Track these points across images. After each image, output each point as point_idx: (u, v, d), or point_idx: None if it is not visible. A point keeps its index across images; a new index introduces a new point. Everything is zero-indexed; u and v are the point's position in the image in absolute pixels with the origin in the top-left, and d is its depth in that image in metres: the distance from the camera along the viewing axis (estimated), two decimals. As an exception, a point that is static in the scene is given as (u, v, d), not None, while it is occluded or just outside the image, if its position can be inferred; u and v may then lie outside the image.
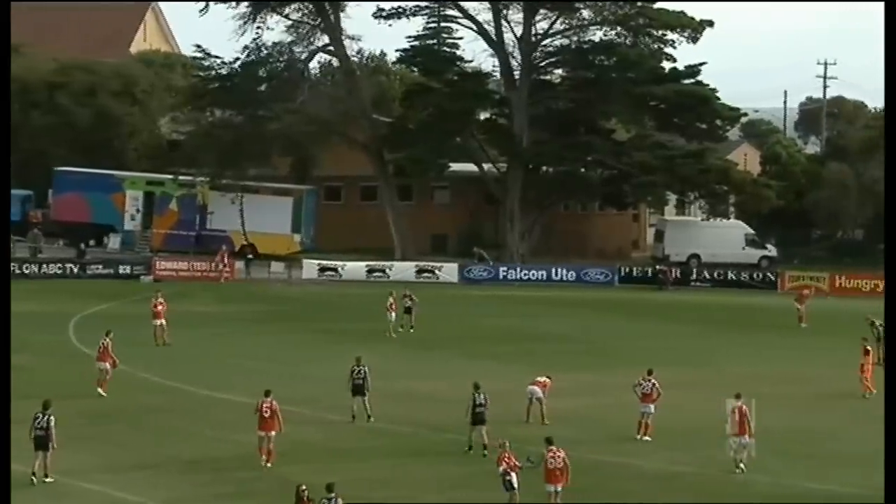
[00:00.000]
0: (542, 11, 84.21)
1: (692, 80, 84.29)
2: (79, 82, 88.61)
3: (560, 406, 39.08)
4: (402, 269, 76.37)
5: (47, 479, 31.34)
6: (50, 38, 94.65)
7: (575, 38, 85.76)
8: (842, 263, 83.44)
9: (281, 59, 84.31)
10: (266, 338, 55.26)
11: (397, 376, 44.21)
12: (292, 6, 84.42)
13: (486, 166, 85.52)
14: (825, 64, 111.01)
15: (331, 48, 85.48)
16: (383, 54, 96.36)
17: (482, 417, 34.97)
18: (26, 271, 71.25)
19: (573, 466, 30.00)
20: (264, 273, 75.72)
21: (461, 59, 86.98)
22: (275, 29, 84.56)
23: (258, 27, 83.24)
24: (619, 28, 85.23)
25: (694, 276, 79.00)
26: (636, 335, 58.39)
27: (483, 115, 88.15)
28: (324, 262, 76.55)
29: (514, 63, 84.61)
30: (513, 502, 29.47)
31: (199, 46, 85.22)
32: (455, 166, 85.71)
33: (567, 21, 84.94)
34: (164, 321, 51.99)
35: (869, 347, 45.36)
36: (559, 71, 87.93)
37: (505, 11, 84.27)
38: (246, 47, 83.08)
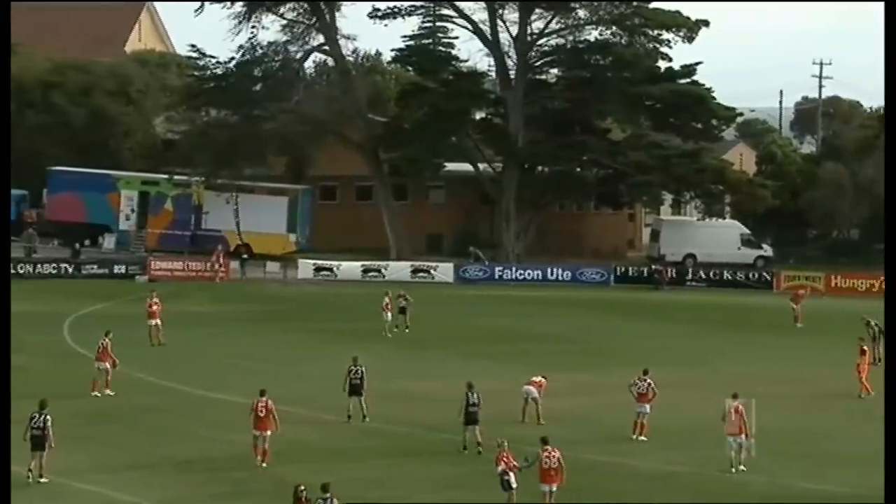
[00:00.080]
0: (537, 11, 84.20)
1: (688, 80, 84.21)
2: (74, 82, 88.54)
3: (556, 406, 39.03)
4: (398, 269, 76.34)
5: (42, 480, 31.26)
6: (45, 38, 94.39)
7: (570, 38, 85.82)
8: (837, 263, 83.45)
9: (276, 58, 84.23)
10: (261, 338, 55.20)
11: (393, 376, 44.17)
12: (287, 6, 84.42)
13: (481, 166, 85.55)
14: (821, 64, 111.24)
15: (326, 48, 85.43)
16: (378, 54, 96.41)
17: (475, 417, 34.96)
18: (21, 271, 71.09)
19: (568, 466, 29.97)
20: (259, 273, 75.69)
21: (456, 58, 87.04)
22: (270, 28, 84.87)
23: (253, 27, 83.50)
24: (614, 28, 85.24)
25: (689, 275, 78.91)
26: (632, 335, 58.38)
27: (478, 115, 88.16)
28: (319, 262, 76.49)
29: (509, 63, 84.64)
30: (510, 502, 29.43)
31: (194, 46, 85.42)
32: (450, 166, 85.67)
33: (563, 21, 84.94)
34: (159, 321, 51.98)
35: (865, 347, 45.35)
36: (555, 70, 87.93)
37: (500, 11, 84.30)
38: (241, 47, 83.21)
